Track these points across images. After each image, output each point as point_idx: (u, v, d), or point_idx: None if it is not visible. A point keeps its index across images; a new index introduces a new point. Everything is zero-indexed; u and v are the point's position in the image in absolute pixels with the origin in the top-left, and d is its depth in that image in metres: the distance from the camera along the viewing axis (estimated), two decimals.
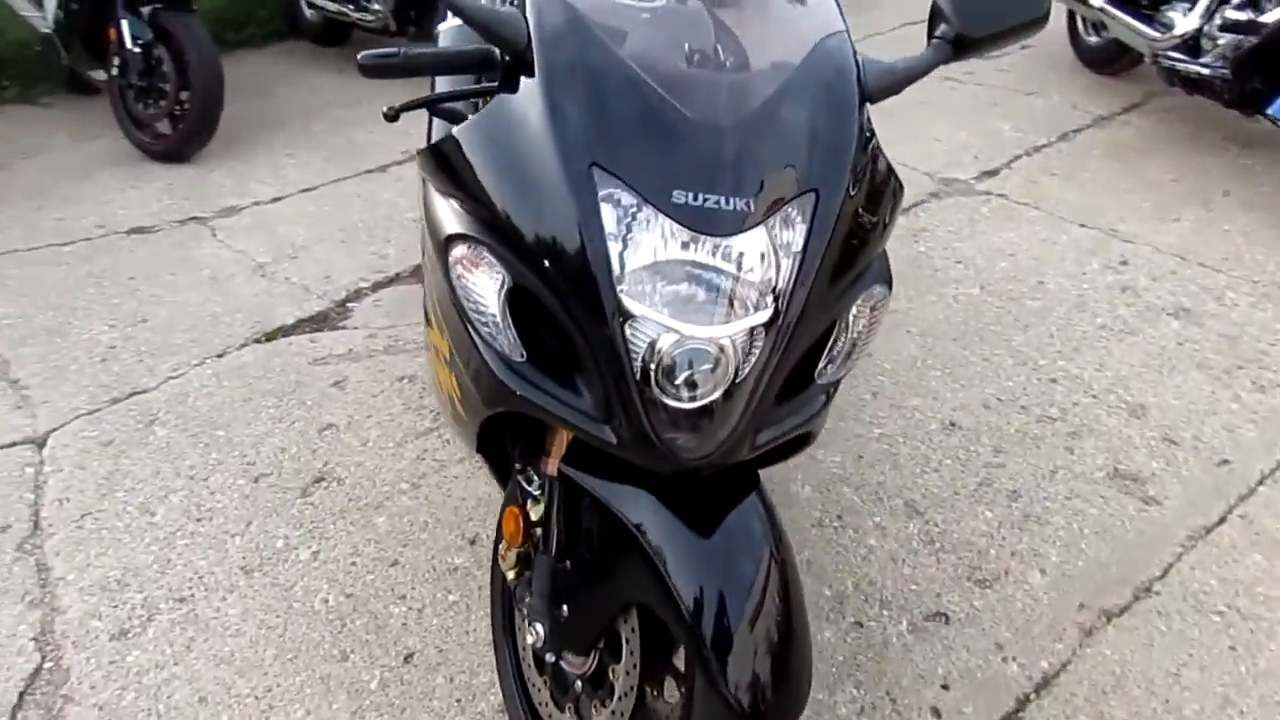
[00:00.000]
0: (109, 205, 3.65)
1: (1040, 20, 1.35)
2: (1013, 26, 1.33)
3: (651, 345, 1.11)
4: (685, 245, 1.10)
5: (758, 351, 1.14)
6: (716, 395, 1.13)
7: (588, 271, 1.11)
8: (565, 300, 1.15)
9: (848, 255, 1.22)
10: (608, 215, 1.11)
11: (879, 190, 1.31)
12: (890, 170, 1.33)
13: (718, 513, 1.32)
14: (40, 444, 2.47)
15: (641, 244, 1.10)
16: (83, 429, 2.51)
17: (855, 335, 1.28)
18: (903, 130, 3.98)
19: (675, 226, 1.09)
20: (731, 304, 1.11)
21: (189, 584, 2.05)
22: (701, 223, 1.09)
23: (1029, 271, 2.98)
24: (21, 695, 1.85)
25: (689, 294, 1.10)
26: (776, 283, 1.13)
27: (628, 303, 1.10)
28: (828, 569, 2.03)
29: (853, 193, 1.21)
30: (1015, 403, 2.43)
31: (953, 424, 2.37)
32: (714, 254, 1.10)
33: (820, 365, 1.27)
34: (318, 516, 2.21)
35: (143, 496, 2.28)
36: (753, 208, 1.11)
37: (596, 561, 1.40)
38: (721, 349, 1.12)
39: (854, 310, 1.27)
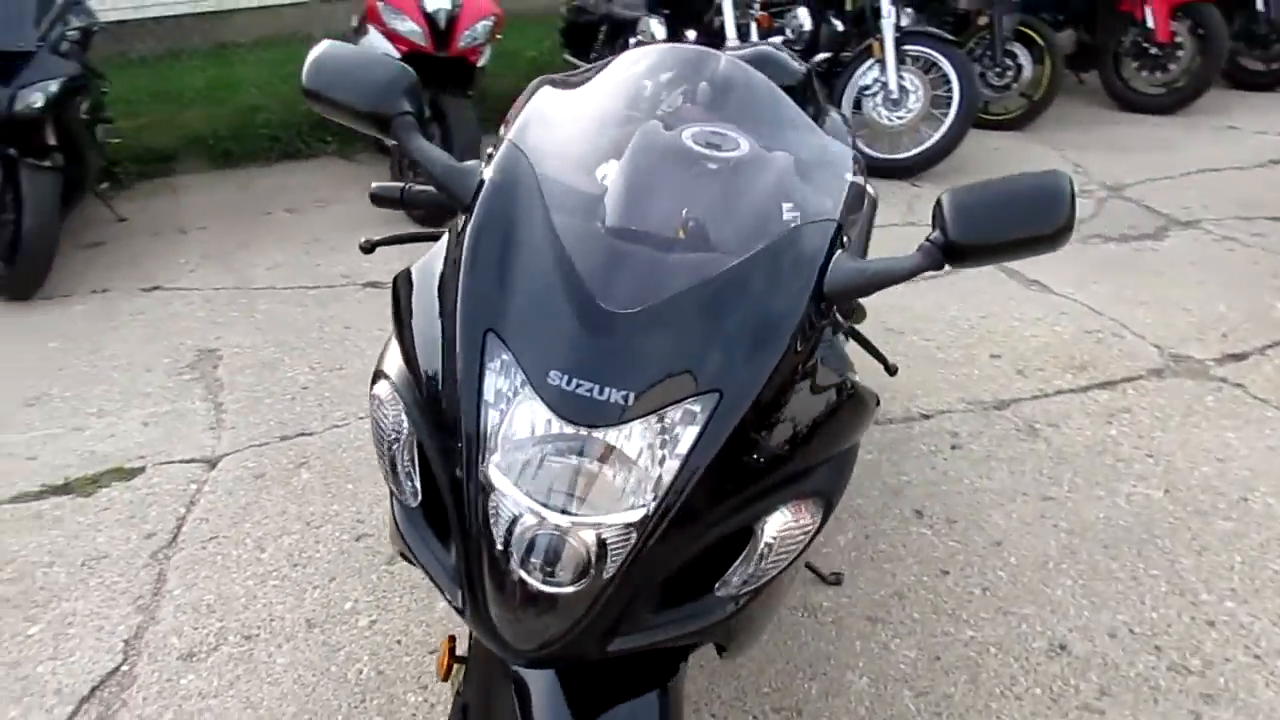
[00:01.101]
0: (361, 258, 4.09)
1: (1058, 234, 1.16)
2: (1020, 239, 1.16)
3: (513, 522, 1.08)
4: (557, 428, 1.06)
5: (624, 550, 1.08)
6: (568, 587, 1.07)
7: (462, 435, 1.11)
8: (443, 459, 1.15)
9: (763, 464, 1.12)
10: (489, 383, 1.11)
11: (825, 399, 1.20)
12: (850, 383, 1.22)
13: (608, 701, 1.25)
14: (212, 464, 2.80)
15: (517, 419, 1.09)
16: (247, 459, 2.82)
17: (769, 552, 1.17)
18: (1152, 290, 3.56)
19: (544, 408, 1.07)
20: (598, 496, 1.06)
21: (260, 624, 2.23)
22: (570, 409, 1.06)
23: (1235, 484, 2.53)
24: (93, 690, 2.09)
25: (555, 477, 1.07)
26: (654, 483, 1.06)
27: (493, 473, 1.08)
28: None
29: (777, 399, 1.12)
30: (1151, 640, 2.07)
31: (1062, 647, 2.06)
32: (583, 443, 1.06)
33: (725, 576, 1.17)
34: (390, 587, 2.32)
35: (263, 532, 2.52)
36: (632, 401, 1.05)
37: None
38: (581, 540, 1.06)
39: (772, 522, 1.16)
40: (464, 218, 1.23)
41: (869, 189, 1.84)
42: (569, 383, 1.06)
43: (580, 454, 1.06)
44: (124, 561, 2.46)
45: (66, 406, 3.20)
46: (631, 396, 1.06)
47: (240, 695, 2.04)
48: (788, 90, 2.43)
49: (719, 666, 2.05)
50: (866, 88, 4.88)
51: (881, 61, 4.79)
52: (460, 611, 1.15)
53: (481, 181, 1.25)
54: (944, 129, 4.72)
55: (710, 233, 1.27)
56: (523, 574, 1.07)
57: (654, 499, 1.06)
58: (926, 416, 2.87)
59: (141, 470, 2.83)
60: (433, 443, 1.17)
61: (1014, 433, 2.77)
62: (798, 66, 2.46)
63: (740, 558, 1.17)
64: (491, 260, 1.16)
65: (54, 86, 3.93)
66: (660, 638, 1.15)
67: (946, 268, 1.22)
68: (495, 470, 1.08)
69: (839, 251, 1.22)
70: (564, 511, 1.06)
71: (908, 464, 2.67)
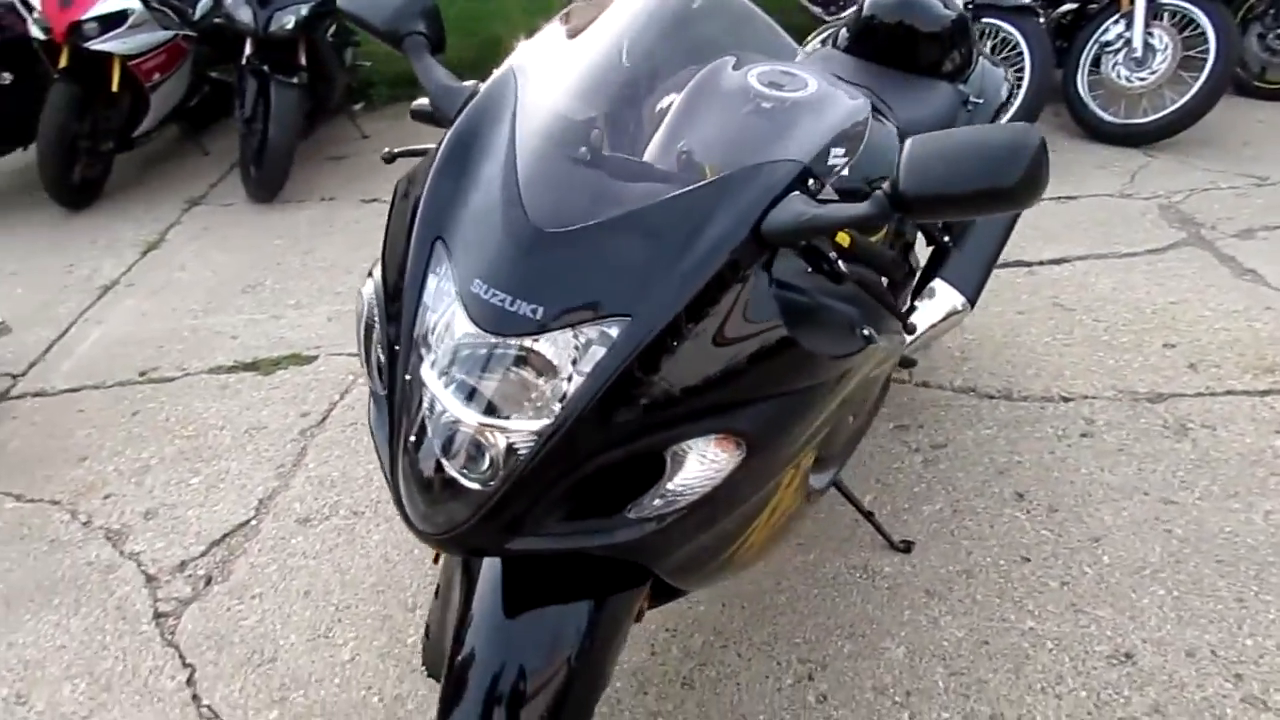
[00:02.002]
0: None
1: (1017, 191, 1.07)
2: (975, 193, 1.09)
3: (438, 417, 1.18)
4: (473, 335, 1.14)
5: (527, 455, 1.15)
6: (470, 482, 1.16)
7: (401, 333, 1.22)
8: (390, 355, 1.27)
9: (672, 392, 1.15)
10: (430, 287, 1.21)
11: (754, 340, 1.19)
12: (789, 331, 1.20)
13: (540, 601, 1.34)
14: None
15: (448, 323, 1.18)
16: None
17: (682, 479, 1.20)
18: None
19: (465, 315, 1.15)
20: (505, 403, 1.14)
21: (368, 504, 2.48)
22: (486, 317, 1.14)
23: None
24: (224, 536, 2.43)
25: (470, 380, 1.15)
26: (559, 396, 1.12)
27: (424, 371, 1.18)
28: None
29: (694, 331, 1.14)
30: (1233, 666, 1.87)
31: (1128, 655, 1.91)
32: (493, 350, 1.14)
33: (639, 499, 1.21)
34: None
35: None
36: (541, 315, 1.12)
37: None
38: (491, 440, 1.15)
39: (683, 452, 1.18)
40: (445, 133, 1.32)
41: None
42: (487, 292, 1.14)
43: (490, 361, 1.13)
44: (278, 434, 2.80)
45: (273, 297, 3.64)
46: (541, 311, 1.12)
47: (334, 561, 2.30)
48: (930, 36, 2.35)
49: (758, 611, 2.08)
50: (1109, 44, 4.45)
51: (1129, 15, 4.36)
52: (394, 495, 1.27)
53: (469, 99, 1.33)
54: (1191, 93, 4.22)
55: (673, 160, 1.29)
56: (428, 465, 1.17)
57: (558, 411, 1.12)
58: (1066, 399, 2.68)
59: (314, 358, 3.18)
60: (388, 339, 1.28)
61: (1159, 429, 2.53)
62: (944, 12, 2.34)
63: (657, 485, 1.21)
64: (452, 173, 1.25)
65: (305, 10, 4.38)
66: (562, 545, 1.21)
67: (898, 218, 1.17)
68: (426, 368, 1.18)
69: (794, 193, 1.20)
70: (482, 411, 1.14)
71: (1026, 445, 2.51)
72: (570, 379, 1.12)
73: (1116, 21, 4.43)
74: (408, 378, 1.20)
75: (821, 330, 1.35)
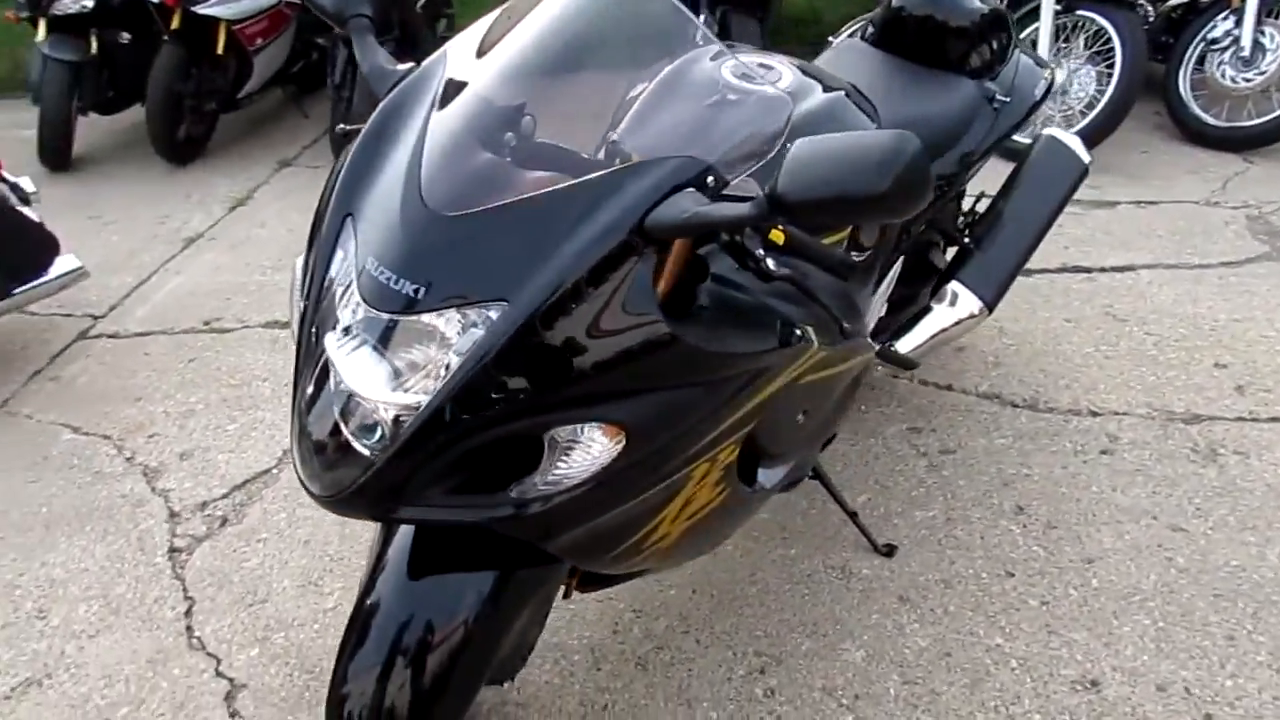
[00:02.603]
0: None
1: (882, 202, 1.04)
2: (842, 199, 1.07)
3: (331, 383, 1.24)
4: (362, 311, 1.20)
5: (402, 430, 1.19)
6: (355, 450, 1.22)
7: (308, 303, 1.29)
8: (300, 319, 1.33)
9: (545, 378, 1.17)
10: (336, 262, 1.27)
11: (632, 334, 1.20)
12: (674, 327, 1.21)
13: (446, 566, 1.39)
14: None
15: (347, 297, 1.23)
16: None
17: (562, 464, 1.22)
18: None
19: (357, 290, 1.20)
20: (381, 379, 1.19)
21: None
22: (374, 294, 1.19)
23: None
24: (245, 481, 2.58)
25: (357, 354, 1.21)
26: (434, 374, 1.17)
27: (327, 341, 1.24)
28: None
29: (570, 320, 1.16)
30: (1204, 706, 1.79)
31: (1094, 683, 1.85)
32: (378, 327, 1.19)
33: (522, 479, 1.25)
34: None
35: None
36: (421, 295, 1.16)
37: None
38: (374, 413, 1.20)
39: (562, 437, 1.21)
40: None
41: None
42: (377, 269, 1.19)
43: (377, 336, 1.19)
44: None
45: None
46: (423, 291, 1.16)
47: (338, 519, 2.41)
48: (958, 31, 2.28)
49: (726, 601, 2.09)
50: (1216, 41, 4.19)
51: (1240, 11, 4.09)
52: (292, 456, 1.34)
53: (399, 80, 1.38)
54: None
55: (620, 157, 1.31)
56: (320, 429, 1.23)
57: (434, 389, 1.16)
58: (1094, 414, 2.58)
59: None
60: (303, 308, 1.34)
61: (1186, 452, 2.41)
62: (976, 6, 2.26)
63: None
64: (369, 151, 1.30)
65: None
66: (446, 517, 1.26)
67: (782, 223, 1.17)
68: (327, 337, 1.24)
69: (687, 190, 1.20)
70: (368, 384, 1.19)
71: (1039, 457, 2.43)
72: (448, 359, 1.16)
73: (1226, 18, 4.17)
74: (311, 344, 1.27)
75: (733, 327, 1.36)
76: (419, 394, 1.17)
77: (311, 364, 1.27)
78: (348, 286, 1.23)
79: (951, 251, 2.45)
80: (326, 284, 1.26)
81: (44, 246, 3.13)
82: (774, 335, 1.39)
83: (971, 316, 2.36)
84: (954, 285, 2.36)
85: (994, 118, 2.27)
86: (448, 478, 1.24)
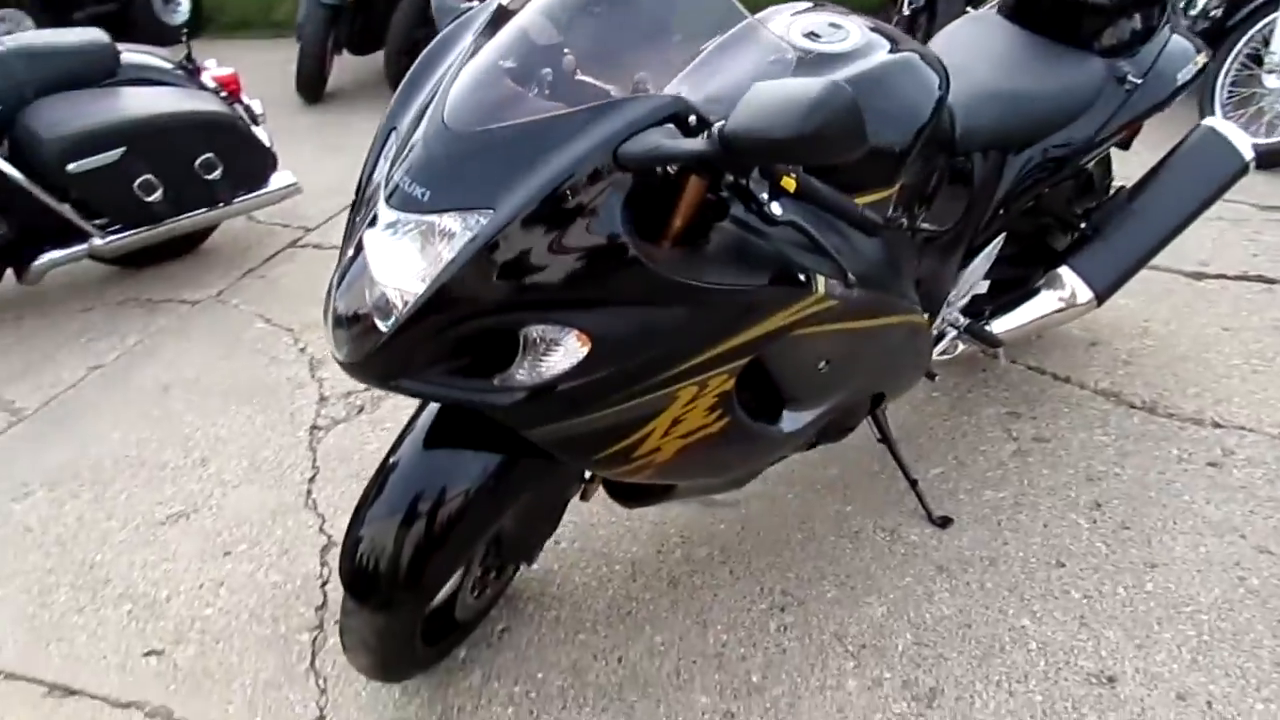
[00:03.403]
0: None
1: (804, 143, 1.14)
2: (776, 140, 1.16)
3: (361, 267, 1.46)
4: (385, 209, 1.41)
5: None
6: (371, 324, 1.42)
7: (357, 197, 1.51)
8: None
9: (520, 281, 1.33)
10: (378, 168, 1.48)
11: (599, 251, 1.33)
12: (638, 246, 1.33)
13: (458, 442, 1.60)
14: None
15: (380, 197, 1.45)
16: None
17: (534, 360, 1.38)
18: None
19: (384, 191, 1.41)
20: (394, 266, 1.39)
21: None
22: (395, 195, 1.39)
23: None
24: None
25: (382, 243, 1.41)
26: (432, 267, 1.36)
27: (366, 234, 1.46)
28: None
29: (544, 233, 1.31)
30: None
31: (1111, 679, 1.80)
32: (392, 223, 1.39)
33: (506, 371, 1.41)
34: None
35: None
36: (427, 198, 1.35)
37: None
38: (390, 296, 1.41)
39: (536, 335, 1.37)
40: None
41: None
42: (401, 174, 1.39)
43: (394, 231, 1.39)
44: None
45: None
46: (429, 195, 1.35)
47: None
48: (1094, 7, 2.22)
49: (770, 541, 2.18)
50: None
51: None
52: None
53: (459, 15, 1.56)
54: None
55: (597, 84, 1.44)
56: (346, 305, 1.45)
57: (429, 280, 1.35)
58: (1217, 425, 2.42)
59: None
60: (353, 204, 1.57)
61: None
62: None
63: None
64: (418, 76, 1.50)
65: None
66: (438, 392, 1.44)
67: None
68: (365, 229, 1.46)
69: (664, 127, 1.32)
70: (385, 271, 1.40)
71: (1136, 459, 2.33)
72: (443, 255, 1.34)
73: None
74: (352, 233, 1.49)
75: (726, 263, 1.46)
76: (419, 284, 1.37)
77: (349, 249, 1.49)
78: (380, 187, 1.44)
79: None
80: (370, 185, 1.48)
81: (266, 162, 3.62)
82: (764, 274, 1.48)
83: (1076, 306, 2.31)
84: (1064, 270, 2.31)
85: (1123, 99, 2.18)
86: (445, 361, 1.43)
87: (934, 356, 2.23)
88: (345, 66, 5.81)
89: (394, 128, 1.49)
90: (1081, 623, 1.93)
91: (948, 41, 2.28)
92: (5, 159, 3.12)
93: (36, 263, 3.33)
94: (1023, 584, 2.02)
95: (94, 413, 2.89)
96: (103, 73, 3.35)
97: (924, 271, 2.04)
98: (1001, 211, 2.15)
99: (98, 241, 3.33)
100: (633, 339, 1.40)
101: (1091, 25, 2.19)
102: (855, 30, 1.76)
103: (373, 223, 1.42)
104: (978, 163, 2.05)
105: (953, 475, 2.34)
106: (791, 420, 1.76)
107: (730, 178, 1.41)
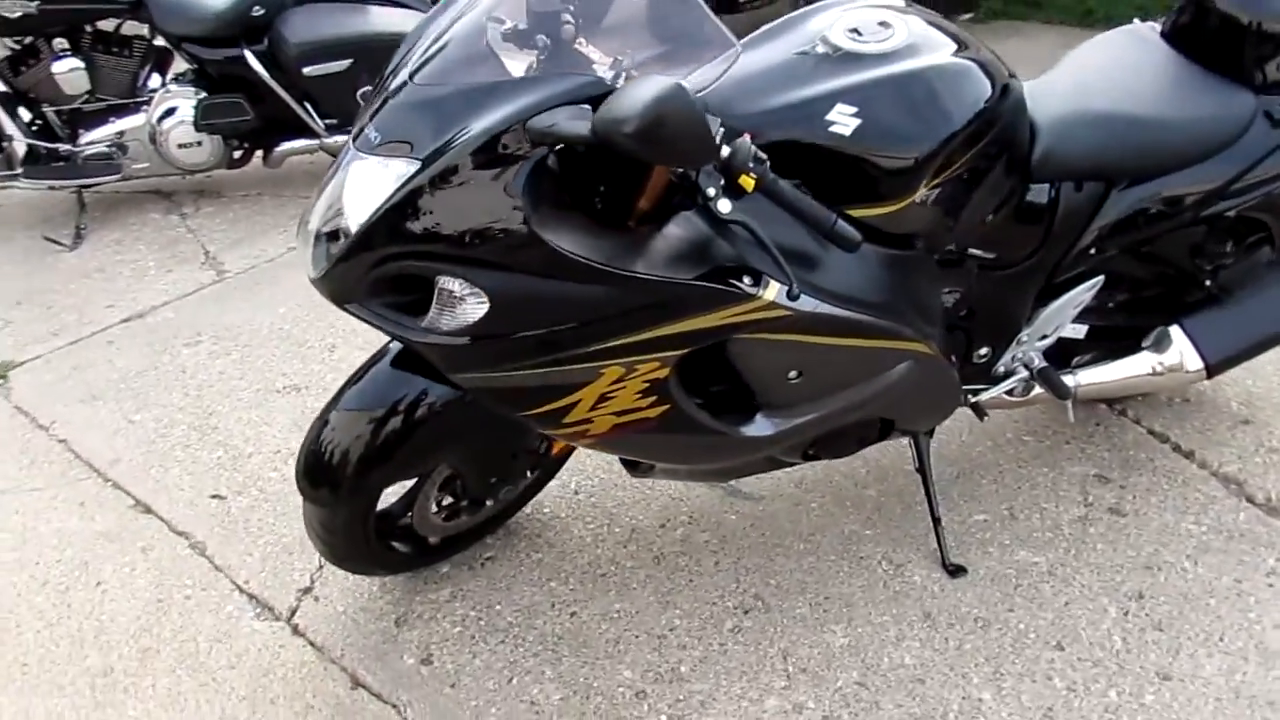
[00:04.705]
0: None
1: (628, 138, 1.18)
2: (610, 130, 1.21)
3: (331, 193, 1.58)
4: (354, 147, 1.53)
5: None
6: (330, 247, 1.54)
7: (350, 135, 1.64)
8: None
9: (430, 230, 1.41)
10: (367, 112, 1.59)
11: (499, 215, 1.38)
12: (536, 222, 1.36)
13: (421, 369, 1.73)
14: None
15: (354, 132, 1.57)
16: None
17: (443, 308, 1.45)
18: None
19: (358, 128, 1.53)
20: (347, 198, 1.51)
21: None
22: (360, 133, 1.51)
23: None
24: None
25: (346, 172, 1.52)
26: (370, 204, 1.47)
27: (342, 161, 1.59)
28: None
29: (458, 187, 1.38)
30: None
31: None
32: (353, 157, 1.50)
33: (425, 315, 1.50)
34: None
35: None
36: (378, 142, 1.46)
37: None
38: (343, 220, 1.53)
39: (445, 284, 1.44)
40: None
41: None
42: (369, 116, 1.50)
43: (351, 165, 1.50)
44: None
45: None
46: (379, 139, 1.45)
47: None
48: (1265, 37, 1.95)
49: (771, 545, 2.14)
50: None
51: None
52: None
53: None
54: None
55: (620, 73, 1.47)
56: (310, 224, 1.57)
57: (367, 215, 1.46)
58: None
59: None
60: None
61: None
62: None
63: None
64: (417, 33, 1.58)
65: None
66: (375, 322, 1.52)
67: None
68: (343, 161, 1.57)
69: (578, 107, 1.33)
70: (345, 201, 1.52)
71: (1213, 558, 2.02)
72: (376, 197, 1.44)
73: None
74: (339, 160, 1.62)
75: (662, 252, 1.46)
76: (360, 217, 1.48)
77: (332, 175, 1.62)
78: (361, 128, 1.56)
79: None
80: (361, 126, 1.61)
81: None
82: (698, 270, 1.46)
83: (1180, 373, 2.04)
84: (1174, 330, 2.04)
85: (1275, 144, 1.86)
86: (385, 294, 1.54)
87: (1000, 395, 2.06)
88: None
89: (389, 76, 1.60)
90: (1047, 714, 1.75)
91: (1087, 54, 2.04)
92: (258, 57, 3.59)
93: (277, 149, 3.82)
94: (1005, 656, 1.86)
95: (276, 287, 3.30)
96: None
97: (978, 302, 1.88)
98: (1094, 251, 1.91)
99: (325, 139, 3.76)
100: (534, 308, 1.45)
101: (1255, 54, 1.87)
102: (904, 31, 1.64)
103: (348, 157, 1.55)
104: (1065, 192, 1.84)
105: (996, 526, 2.15)
106: (762, 425, 1.72)
107: (679, 170, 1.41)
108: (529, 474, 2.02)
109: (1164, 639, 1.87)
